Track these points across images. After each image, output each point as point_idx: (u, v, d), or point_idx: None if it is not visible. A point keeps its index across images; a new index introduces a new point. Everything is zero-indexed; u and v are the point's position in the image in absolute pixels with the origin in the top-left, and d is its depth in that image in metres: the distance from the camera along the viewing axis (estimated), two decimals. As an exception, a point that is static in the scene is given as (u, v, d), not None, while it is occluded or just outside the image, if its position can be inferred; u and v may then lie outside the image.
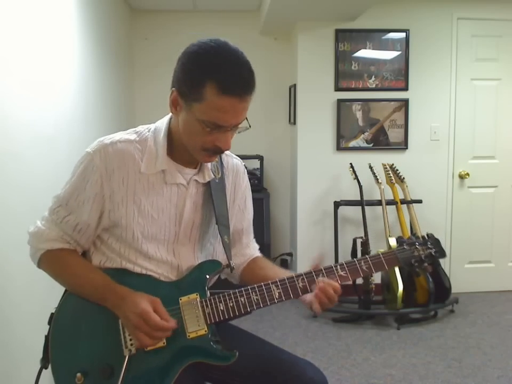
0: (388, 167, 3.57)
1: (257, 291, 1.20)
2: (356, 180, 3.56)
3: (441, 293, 3.43)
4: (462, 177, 3.90)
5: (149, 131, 1.24)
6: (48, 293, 1.99)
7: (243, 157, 4.57)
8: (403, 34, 3.78)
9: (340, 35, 3.75)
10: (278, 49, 4.16)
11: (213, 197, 1.26)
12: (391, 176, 3.52)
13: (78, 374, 1.14)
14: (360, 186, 3.53)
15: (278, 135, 4.25)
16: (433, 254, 1.28)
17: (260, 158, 3.94)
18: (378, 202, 3.53)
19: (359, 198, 3.55)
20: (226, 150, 1.17)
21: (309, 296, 1.21)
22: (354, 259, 1.24)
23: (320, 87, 3.79)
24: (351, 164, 3.62)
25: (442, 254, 1.30)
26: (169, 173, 1.21)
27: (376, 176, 3.52)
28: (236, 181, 1.38)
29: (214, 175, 1.28)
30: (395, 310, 3.31)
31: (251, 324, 3.35)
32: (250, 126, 1.19)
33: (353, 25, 3.74)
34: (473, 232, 3.96)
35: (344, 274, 1.21)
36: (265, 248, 3.63)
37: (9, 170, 1.72)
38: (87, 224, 1.21)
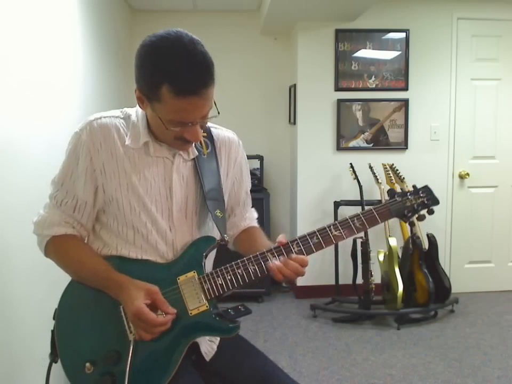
0: (387, 167, 3.57)
1: (254, 261, 1.18)
2: (356, 180, 3.56)
3: (441, 293, 3.43)
4: (462, 177, 3.90)
5: (132, 110, 1.28)
6: (48, 293, 1.99)
7: (243, 157, 4.45)
8: (403, 34, 3.78)
9: (340, 35, 3.75)
10: (278, 49, 4.15)
11: (200, 172, 1.26)
12: (391, 176, 3.52)
13: (87, 364, 1.14)
14: (360, 186, 3.53)
15: (278, 135, 4.25)
16: (425, 202, 1.28)
17: (260, 158, 3.94)
18: (378, 202, 3.51)
19: (359, 198, 3.55)
20: (196, 141, 1.18)
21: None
22: (347, 217, 1.23)
23: (320, 87, 3.79)
24: (351, 164, 3.62)
25: (435, 201, 1.30)
26: (153, 146, 1.23)
27: (376, 176, 3.52)
28: (230, 153, 1.36)
29: (200, 150, 1.28)
30: (395, 310, 3.31)
31: (251, 323, 3.36)
32: (219, 113, 1.18)
33: (353, 25, 3.74)
34: (473, 232, 3.96)
35: (338, 234, 1.20)
36: (265, 248, 3.62)
37: (9, 170, 1.72)
38: (85, 201, 1.22)
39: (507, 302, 3.81)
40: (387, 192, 1.33)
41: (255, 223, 1.47)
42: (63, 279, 1.26)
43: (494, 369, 2.75)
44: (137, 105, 1.26)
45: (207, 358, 1.30)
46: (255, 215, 1.49)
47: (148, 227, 1.22)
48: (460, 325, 3.38)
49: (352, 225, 1.21)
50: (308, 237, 1.20)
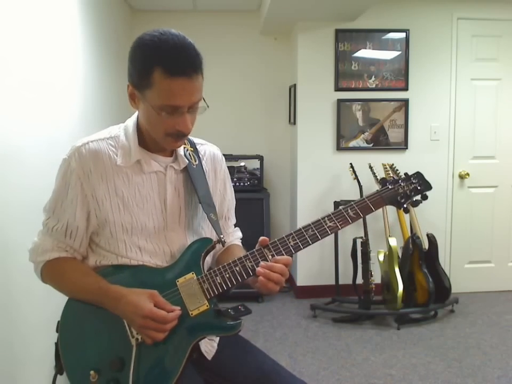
0: (388, 167, 3.57)
1: (251, 258, 1.19)
2: (356, 180, 3.56)
3: (441, 293, 3.43)
4: (462, 177, 3.90)
5: (119, 129, 1.28)
6: (49, 293, 1.99)
7: (243, 157, 4.55)
8: (403, 34, 3.78)
9: (340, 35, 3.75)
10: (278, 49, 4.16)
11: (193, 179, 1.28)
12: (391, 176, 3.52)
13: (92, 372, 1.14)
14: (360, 186, 3.53)
15: (278, 135, 4.25)
16: (418, 188, 1.30)
17: (260, 158, 3.94)
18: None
19: (359, 198, 3.54)
20: (187, 132, 1.19)
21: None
22: (340, 207, 1.25)
23: (320, 87, 3.79)
24: (351, 164, 3.62)
25: (427, 186, 1.31)
26: (145, 162, 1.24)
27: (376, 176, 3.51)
28: (216, 166, 1.40)
29: (190, 161, 1.30)
30: (395, 310, 3.31)
31: (251, 323, 3.35)
32: (208, 106, 1.20)
33: (353, 25, 3.74)
34: (473, 232, 3.96)
35: (333, 225, 1.21)
36: (265, 248, 3.62)
37: (9, 170, 1.72)
38: (76, 226, 1.23)
39: (507, 302, 3.81)
40: (379, 181, 1.34)
41: (238, 242, 1.48)
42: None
43: (494, 369, 2.75)
44: (125, 123, 1.28)
45: (208, 357, 1.30)
46: (239, 234, 1.51)
47: (143, 243, 1.23)
48: (459, 325, 3.38)
49: (346, 215, 1.23)
50: (303, 230, 1.21)
